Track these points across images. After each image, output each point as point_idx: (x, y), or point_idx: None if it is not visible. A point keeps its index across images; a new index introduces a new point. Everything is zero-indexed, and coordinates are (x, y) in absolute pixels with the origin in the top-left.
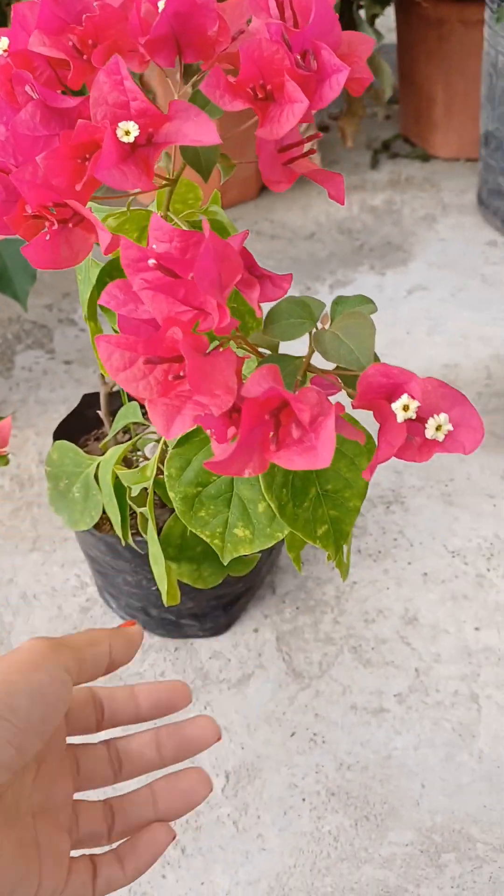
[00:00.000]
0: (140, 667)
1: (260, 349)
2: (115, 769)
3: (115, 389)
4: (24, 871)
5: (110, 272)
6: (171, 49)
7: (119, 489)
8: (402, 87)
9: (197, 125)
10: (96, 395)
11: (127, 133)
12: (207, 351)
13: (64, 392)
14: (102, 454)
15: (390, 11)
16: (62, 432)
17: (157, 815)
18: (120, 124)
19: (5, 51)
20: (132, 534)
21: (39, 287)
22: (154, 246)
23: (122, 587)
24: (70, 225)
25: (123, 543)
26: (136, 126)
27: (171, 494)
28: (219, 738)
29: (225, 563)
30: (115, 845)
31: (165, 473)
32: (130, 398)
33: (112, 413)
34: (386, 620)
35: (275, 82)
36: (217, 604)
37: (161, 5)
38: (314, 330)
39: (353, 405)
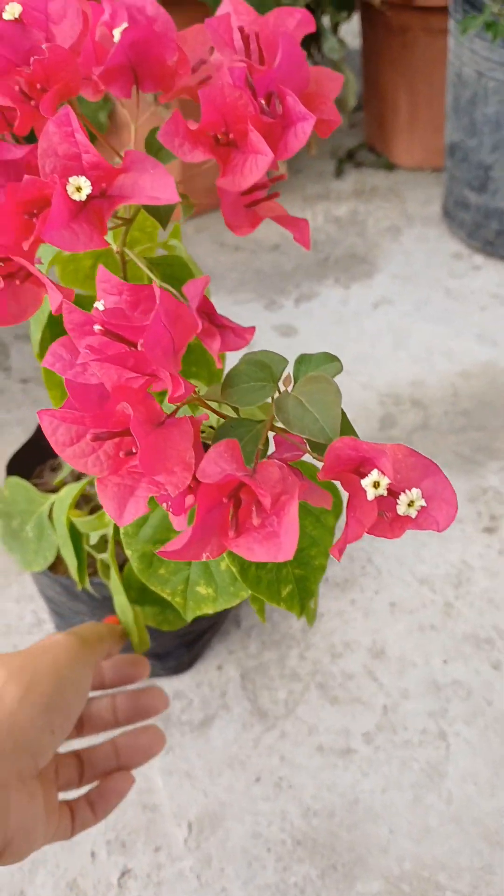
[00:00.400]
0: None
1: (213, 404)
2: (79, 728)
3: None
4: (33, 821)
5: (60, 321)
6: (127, 79)
7: (75, 532)
8: (366, 94)
9: (154, 179)
10: None
11: (78, 189)
12: (162, 420)
13: (20, 413)
14: (57, 490)
15: (355, 16)
16: (17, 463)
17: (119, 765)
18: (71, 180)
19: None
20: (89, 573)
21: None
22: (101, 303)
23: None
24: (17, 282)
25: (79, 587)
26: (89, 182)
27: (127, 552)
28: (167, 706)
29: (188, 620)
30: (84, 790)
31: (121, 531)
32: None
33: None
34: (353, 654)
35: (238, 129)
36: (180, 642)
37: (117, 34)
38: (275, 394)
39: (319, 477)
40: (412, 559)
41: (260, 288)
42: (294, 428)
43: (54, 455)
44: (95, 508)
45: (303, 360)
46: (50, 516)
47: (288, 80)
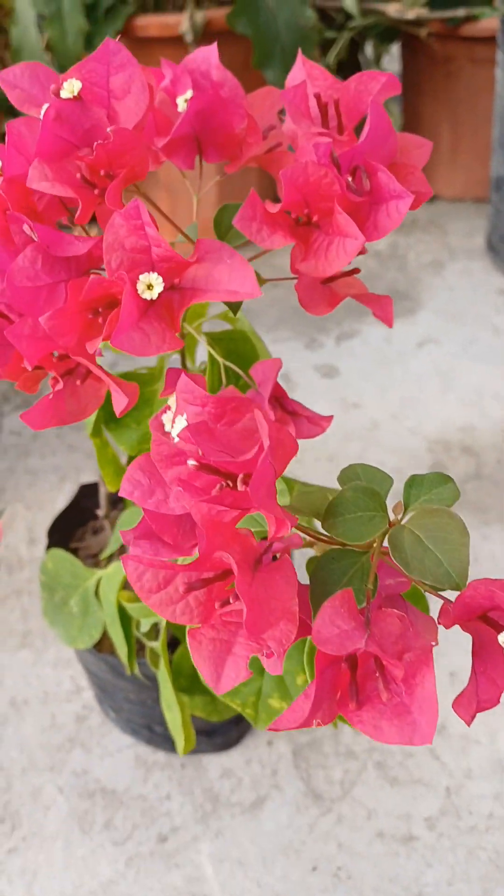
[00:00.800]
0: (143, 787)
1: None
2: None
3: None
4: None
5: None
6: (191, 149)
7: (124, 614)
8: (406, 124)
9: (231, 270)
10: (94, 486)
11: (150, 287)
12: (259, 559)
13: (55, 460)
14: (100, 561)
15: (394, 45)
16: (58, 527)
17: None
18: (141, 277)
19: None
20: (137, 655)
21: None
22: (183, 417)
23: (124, 704)
24: (77, 381)
25: (129, 673)
26: (160, 279)
27: (195, 662)
28: None
29: (260, 730)
30: None
31: (188, 640)
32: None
33: (112, 516)
34: None
35: (320, 208)
36: (230, 718)
37: (182, 103)
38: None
39: (441, 623)
40: None
41: (299, 326)
42: (413, 571)
43: (95, 517)
44: None
45: (413, 482)
46: (96, 592)
47: (375, 152)
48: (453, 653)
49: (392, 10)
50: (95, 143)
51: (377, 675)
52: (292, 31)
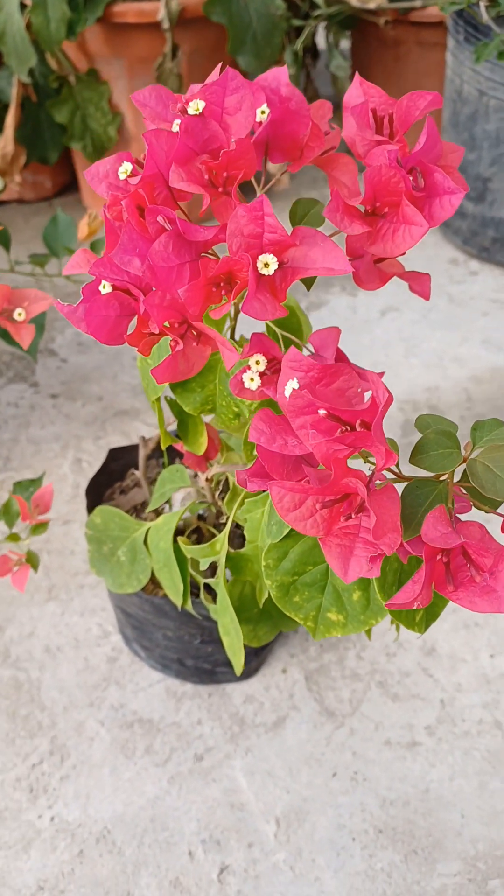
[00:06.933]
0: (176, 716)
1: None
2: None
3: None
4: None
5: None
6: (259, 152)
7: (180, 558)
8: None
9: (325, 251)
10: (121, 449)
11: (266, 265)
12: (368, 484)
13: (54, 429)
14: (140, 515)
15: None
16: (92, 489)
17: None
18: (260, 257)
19: (132, 175)
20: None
21: None
22: (294, 381)
23: (160, 640)
24: (194, 343)
25: (180, 608)
26: (276, 258)
27: (267, 582)
28: None
29: (316, 640)
30: None
31: (263, 563)
32: (171, 460)
33: (151, 480)
34: (406, 653)
35: (387, 202)
36: (250, 649)
37: (260, 114)
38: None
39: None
40: None
41: None
42: (487, 491)
43: (121, 478)
44: (199, 538)
45: (477, 426)
46: (144, 542)
47: (428, 156)
48: None
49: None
50: (222, 151)
51: (467, 565)
52: (263, 19)
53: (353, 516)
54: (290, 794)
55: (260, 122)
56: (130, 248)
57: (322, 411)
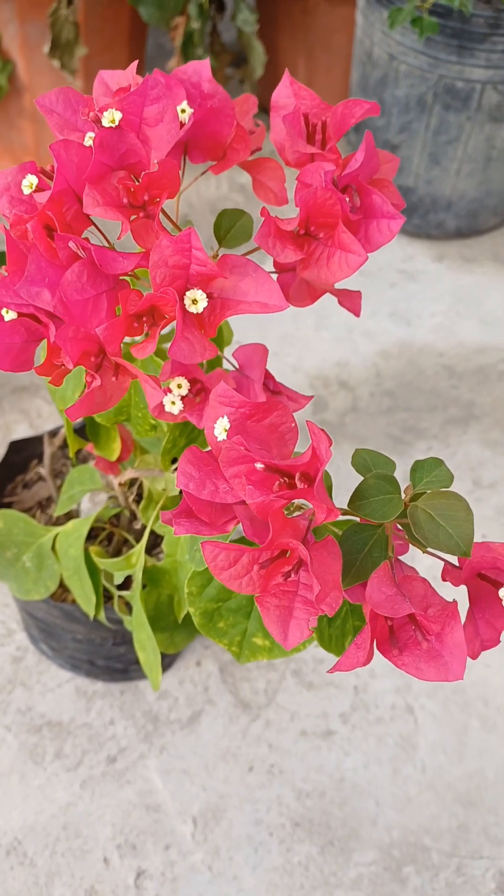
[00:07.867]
0: (87, 716)
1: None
2: None
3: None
4: None
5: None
6: (178, 150)
7: (91, 566)
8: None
9: (257, 283)
10: (23, 441)
11: (195, 302)
12: (304, 537)
13: None
14: (45, 511)
15: None
16: None
17: None
18: (188, 293)
19: (38, 190)
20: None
21: None
22: (225, 419)
23: (70, 643)
24: (112, 377)
25: (93, 618)
26: (204, 295)
27: (190, 609)
28: None
29: (241, 664)
30: None
31: (186, 591)
32: (79, 461)
33: (57, 474)
34: None
35: (322, 223)
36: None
37: (181, 113)
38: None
39: (447, 580)
40: None
41: None
42: (430, 543)
43: (23, 471)
44: (114, 549)
45: (417, 466)
46: (53, 548)
47: (365, 172)
48: None
49: None
50: (143, 174)
51: (412, 627)
52: None
53: (291, 575)
54: (206, 792)
55: (181, 123)
56: (38, 279)
57: (259, 465)
